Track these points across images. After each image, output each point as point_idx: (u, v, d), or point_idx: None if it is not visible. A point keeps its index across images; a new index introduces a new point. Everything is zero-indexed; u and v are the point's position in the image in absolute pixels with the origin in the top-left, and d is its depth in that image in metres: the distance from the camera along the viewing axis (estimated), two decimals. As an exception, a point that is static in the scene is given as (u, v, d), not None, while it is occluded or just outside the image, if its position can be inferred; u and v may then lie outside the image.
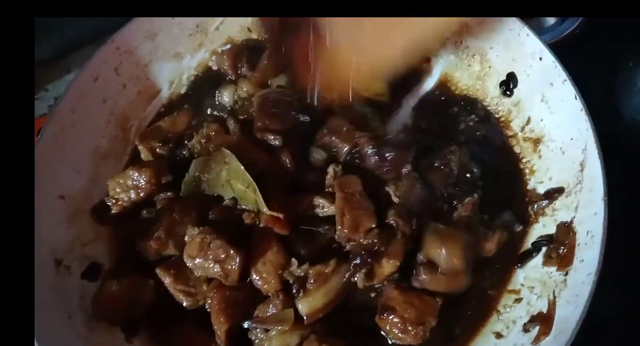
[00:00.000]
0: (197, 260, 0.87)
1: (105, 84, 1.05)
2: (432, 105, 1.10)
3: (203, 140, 1.02)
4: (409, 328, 0.84)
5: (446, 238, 0.87)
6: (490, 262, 0.92)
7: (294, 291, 0.86)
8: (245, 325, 0.87)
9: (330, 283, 0.86)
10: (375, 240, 0.86)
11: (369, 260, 0.85)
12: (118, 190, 0.98)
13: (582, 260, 0.82)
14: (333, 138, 0.98)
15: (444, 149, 0.98)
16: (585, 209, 0.86)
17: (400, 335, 0.85)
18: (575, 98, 0.90)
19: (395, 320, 0.85)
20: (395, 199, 0.92)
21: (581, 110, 0.89)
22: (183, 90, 1.17)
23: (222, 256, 0.86)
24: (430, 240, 0.88)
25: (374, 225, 0.88)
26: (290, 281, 0.87)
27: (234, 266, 0.86)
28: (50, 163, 0.95)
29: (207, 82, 1.17)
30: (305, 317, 0.85)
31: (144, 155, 1.05)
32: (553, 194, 0.93)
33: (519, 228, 0.94)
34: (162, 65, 1.14)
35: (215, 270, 0.86)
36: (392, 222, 0.88)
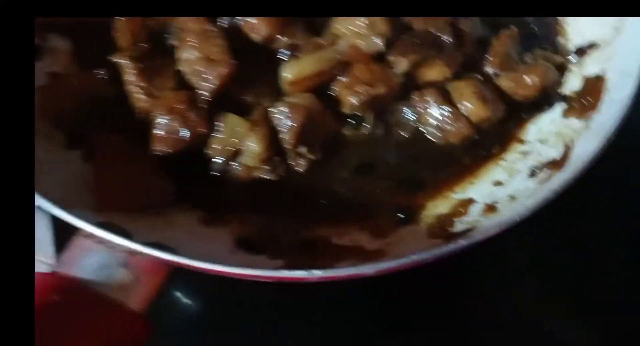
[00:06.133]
0: (191, 49, 0.75)
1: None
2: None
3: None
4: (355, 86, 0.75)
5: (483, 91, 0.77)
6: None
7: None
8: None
9: (324, 52, 0.75)
10: (446, 35, 0.77)
11: (431, 48, 0.75)
12: None
13: (612, 100, 0.72)
14: None
15: None
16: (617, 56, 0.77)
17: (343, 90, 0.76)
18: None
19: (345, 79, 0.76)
20: None
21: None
22: None
23: (214, 56, 0.75)
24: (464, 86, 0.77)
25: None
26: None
27: (218, 73, 0.74)
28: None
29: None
30: (289, 84, 0.75)
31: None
32: (585, 50, 0.83)
33: (560, 60, 0.83)
34: None
35: (199, 68, 0.75)
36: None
